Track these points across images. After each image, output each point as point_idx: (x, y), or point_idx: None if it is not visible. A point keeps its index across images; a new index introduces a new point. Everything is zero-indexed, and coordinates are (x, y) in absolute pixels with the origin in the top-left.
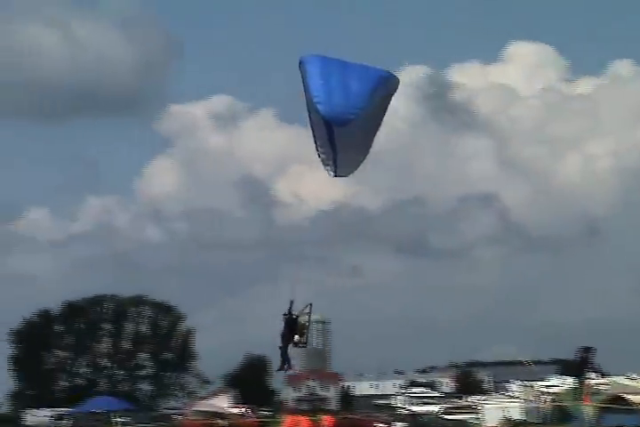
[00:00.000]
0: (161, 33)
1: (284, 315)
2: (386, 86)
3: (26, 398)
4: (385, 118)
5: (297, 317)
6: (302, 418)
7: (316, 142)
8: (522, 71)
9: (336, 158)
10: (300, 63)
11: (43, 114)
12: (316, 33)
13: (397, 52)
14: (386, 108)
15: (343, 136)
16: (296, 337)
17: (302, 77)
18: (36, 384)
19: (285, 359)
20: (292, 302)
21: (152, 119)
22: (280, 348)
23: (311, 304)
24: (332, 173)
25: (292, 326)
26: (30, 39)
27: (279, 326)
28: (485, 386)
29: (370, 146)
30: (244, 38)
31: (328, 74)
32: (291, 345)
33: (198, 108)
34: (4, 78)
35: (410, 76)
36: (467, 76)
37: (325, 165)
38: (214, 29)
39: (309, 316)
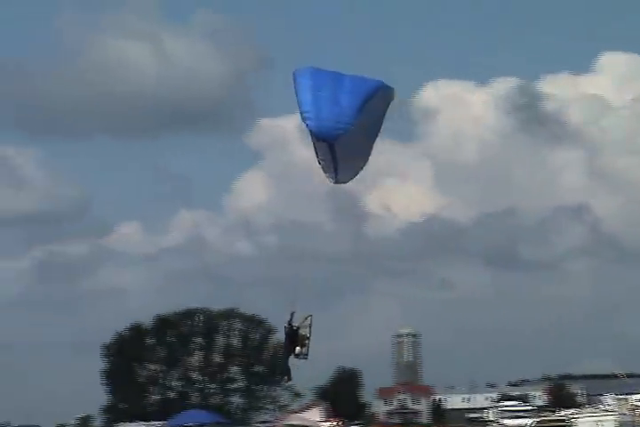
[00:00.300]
0: (251, 46)
1: (285, 327)
2: (380, 97)
3: (119, 411)
4: (475, 130)
5: (297, 328)
6: None
7: (315, 150)
8: (613, 82)
9: (336, 167)
10: (293, 76)
11: (134, 128)
12: (408, 46)
13: (488, 64)
14: (382, 118)
15: (342, 145)
16: (297, 349)
17: (295, 90)
18: (128, 398)
19: (286, 371)
20: (292, 314)
21: (242, 133)
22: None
23: (311, 315)
24: (333, 181)
25: (293, 338)
26: (121, 53)
27: (371, 339)
28: (579, 399)
29: (369, 154)
30: (333, 50)
31: (319, 87)
32: (292, 357)
33: (288, 121)
34: (96, 92)
35: (500, 88)
36: (557, 87)
37: (326, 172)
38: (303, 41)
39: (310, 327)
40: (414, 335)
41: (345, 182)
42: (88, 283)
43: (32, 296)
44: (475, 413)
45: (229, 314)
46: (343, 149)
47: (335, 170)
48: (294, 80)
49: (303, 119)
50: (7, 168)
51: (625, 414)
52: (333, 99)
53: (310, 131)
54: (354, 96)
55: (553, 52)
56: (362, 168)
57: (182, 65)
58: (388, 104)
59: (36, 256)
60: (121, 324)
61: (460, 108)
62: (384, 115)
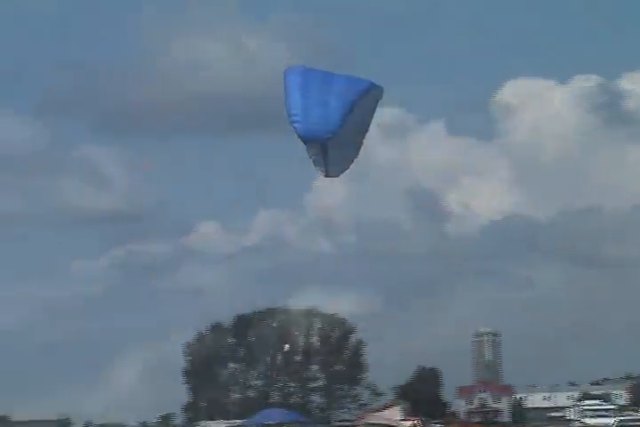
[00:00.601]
0: (330, 46)
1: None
2: (370, 96)
3: (200, 410)
4: (556, 128)
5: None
6: None
7: (307, 146)
8: None
9: (327, 162)
10: (284, 75)
11: (214, 128)
12: (489, 44)
13: (568, 61)
14: (371, 116)
15: (331, 144)
16: (286, 346)
17: (284, 90)
18: (209, 396)
19: None
20: None
21: None
22: None
23: None
24: (323, 174)
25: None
26: (201, 54)
27: (451, 338)
28: None
29: (359, 149)
30: (410, 49)
31: (308, 88)
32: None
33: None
34: (177, 93)
35: (580, 86)
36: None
37: (316, 166)
38: (384, 42)
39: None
40: (494, 334)
41: (336, 176)
42: (168, 282)
43: (113, 295)
44: (556, 411)
45: (309, 313)
46: (333, 146)
47: (326, 164)
48: (284, 79)
49: (291, 122)
50: (89, 167)
51: None
52: (322, 100)
53: (298, 134)
54: (343, 97)
55: (635, 49)
56: (352, 161)
57: (262, 65)
58: (377, 103)
59: (117, 255)
60: (202, 323)
61: (541, 106)
62: (373, 113)
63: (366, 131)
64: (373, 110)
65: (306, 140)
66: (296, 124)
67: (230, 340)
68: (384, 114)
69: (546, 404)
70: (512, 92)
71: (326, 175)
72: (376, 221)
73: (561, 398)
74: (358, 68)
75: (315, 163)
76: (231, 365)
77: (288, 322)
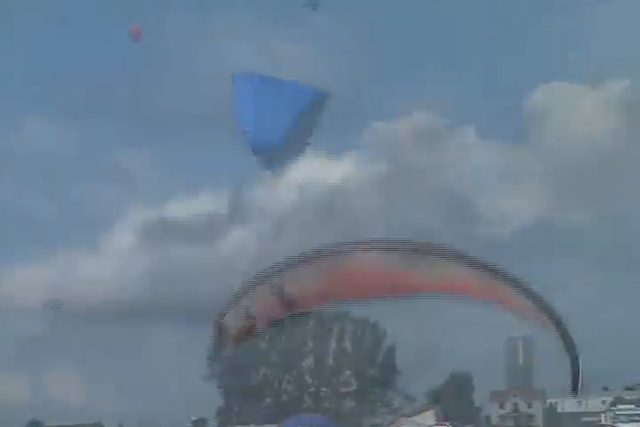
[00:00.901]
0: (363, 52)
1: None
2: (316, 103)
3: (232, 414)
4: (589, 132)
5: None
6: None
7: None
8: None
9: (272, 160)
10: (232, 80)
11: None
12: (522, 47)
13: (602, 65)
14: (316, 120)
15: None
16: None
17: (233, 97)
18: (241, 401)
19: None
20: None
21: (352, 137)
22: None
23: None
24: (269, 172)
25: None
26: (232, 57)
27: (483, 342)
28: None
29: (304, 150)
30: (445, 52)
31: (257, 96)
32: None
33: (399, 124)
34: (206, 96)
35: (613, 89)
36: None
37: (262, 166)
38: (416, 48)
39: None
40: (527, 339)
41: (281, 175)
42: (201, 286)
43: (148, 301)
44: (590, 416)
45: (342, 317)
46: (280, 152)
47: (271, 164)
48: (233, 86)
49: (242, 133)
50: (121, 172)
51: None
52: (271, 109)
53: (248, 146)
54: (291, 106)
55: None
56: (296, 161)
57: (292, 70)
58: (322, 108)
59: (151, 261)
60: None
61: (573, 109)
62: (319, 117)
63: (311, 133)
64: (319, 115)
65: (256, 151)
66: (247, 135)
67: (262, 344)
68: (414, 118)
69: (580, 409)
70: (545, 95)
71: (272, 174)
72: (409, 224)
73: (595, 403)
74: (389, 71)
75: (260, 163)
76: (263, 369)
77: (320, 326)
